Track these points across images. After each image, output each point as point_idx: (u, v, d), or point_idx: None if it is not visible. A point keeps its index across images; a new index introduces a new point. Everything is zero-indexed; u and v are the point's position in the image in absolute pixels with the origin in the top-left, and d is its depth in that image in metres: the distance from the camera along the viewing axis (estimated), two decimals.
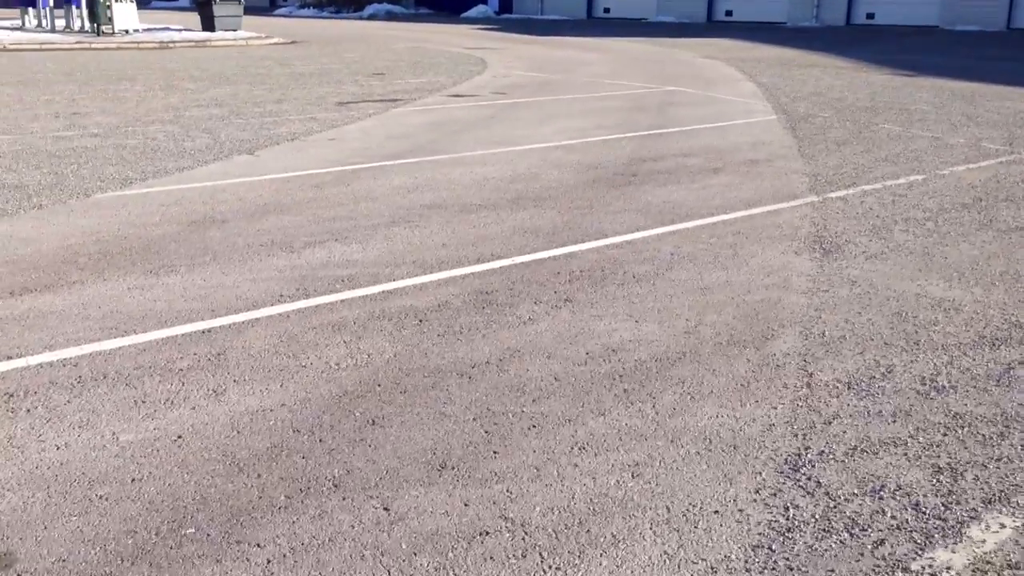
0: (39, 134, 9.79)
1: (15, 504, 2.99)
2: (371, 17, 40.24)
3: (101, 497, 3.06)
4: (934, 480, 3.25)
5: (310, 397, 3.84)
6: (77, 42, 22.49)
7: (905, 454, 3.43)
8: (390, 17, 39.75)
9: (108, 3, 24.59)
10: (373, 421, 3.65)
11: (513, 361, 4.25)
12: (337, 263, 5.63)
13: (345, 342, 4.43)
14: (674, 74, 18.15)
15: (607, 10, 42.42)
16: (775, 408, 3.81)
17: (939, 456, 3.42)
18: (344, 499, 3.10)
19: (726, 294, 5.18)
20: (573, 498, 3.14)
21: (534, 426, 3.64)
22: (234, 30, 26.90)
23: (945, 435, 3.57)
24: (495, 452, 3.43)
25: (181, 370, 4.05)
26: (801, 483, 3.24)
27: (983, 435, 3.57)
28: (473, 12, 42.27)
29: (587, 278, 5.44)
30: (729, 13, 39.23)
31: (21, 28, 26.80)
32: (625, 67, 19.57)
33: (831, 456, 3.42)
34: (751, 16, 38.20)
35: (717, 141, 10.25)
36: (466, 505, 3.08)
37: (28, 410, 3.63)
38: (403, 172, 8.37)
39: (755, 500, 3.14)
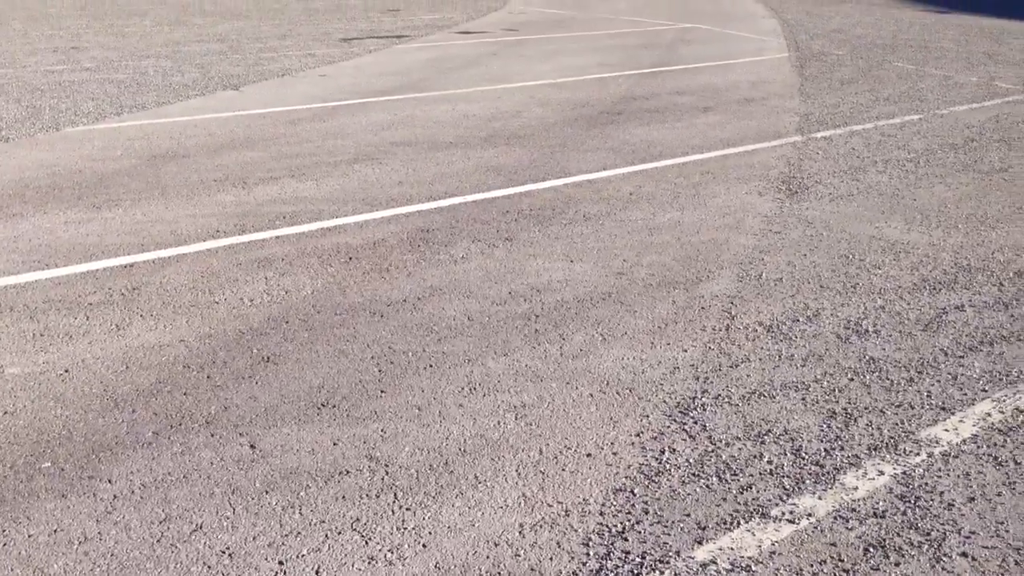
0: (32, 68, 9.80)
1: None
2: None
3: None
4: (824, 426, 3.13)
5: (213, 333, 3.80)
6: None
7: (803, 399, 3.31)
8: None
9: None
10: (268, 358, 3.60)
11: (431, 300, 4.17)
12: (285, 199, 5.56)
13: (267, 278, 4.37)
14: (696, 11, 17.66)
15: None
16: (685, 351, 3.70)
17: (838, 401, 3.29)
18: (212, 436, 3.06)
19: (673, 235, 5.03)
20: (447, 439, 3.07)
21: (430, 366, 3.57)
22: None
23: (852, 380, 3.44)
24: (382, 391, 3.37)
25: (90, 304, 4.03)
26: (686, 427, 3.14)
27: (891, 381, 3.43)
28: None
29: (535, 217, 5.31)
30: None
31: None
32: (648, 4, 19.09)
33: (726, 400, 3.31)
34: None
35: (717, 79, 9.95)
36: (335, 444, 3.03)
37: None
38: (384, 109, 8.25)
39: (633, 444, 3.05)
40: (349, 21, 15.21)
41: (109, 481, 2.80)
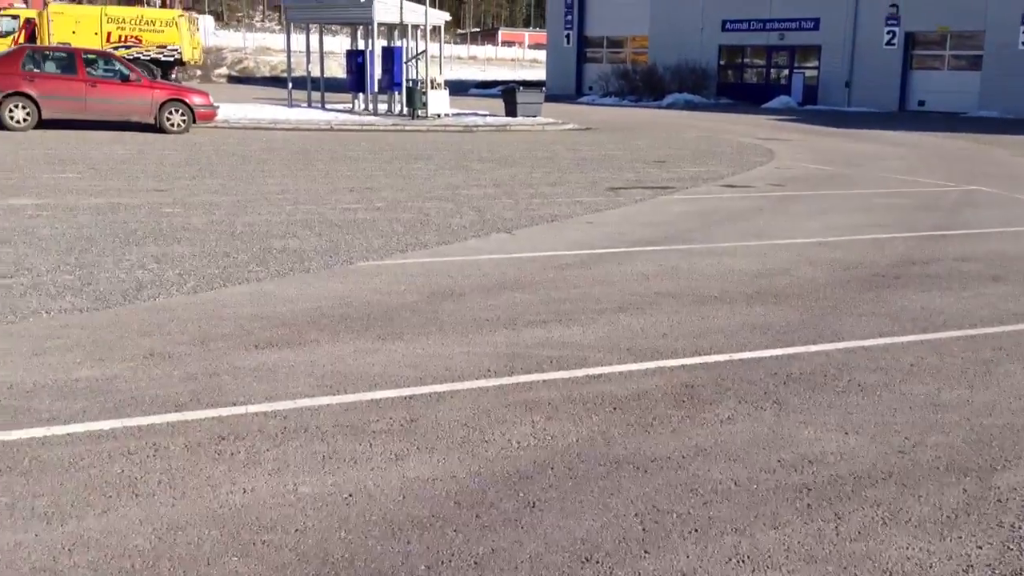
0: (331, 205, 10.84)
1: (188, 539, 3.29)
2: (670, 106, 40.82)
3: (264, 542, 3.28)
4: None
5: (482, 472, 3.91)
6: (393, 124, 24.73)
7: None
8: (689, 106, 40.12)
9: (424, 90, 26.89)
10: (534, 504, 3.64)
11: (696, 460, 4.08)
12: (552, 343, 5.72)
13: (533, 422, 4.47)
14: (980, 173, 16.80)
15: (922, 103, 40.08)
16: (980, 548, 3.37)
17: None
18: None
19: (961, 414, 4.67)
20: None
21: (696, 530, 3.46)
22: (533, 116, 28.38)
23: None
24: (646, 552, 3.30)
25: (374, 432, 4.28)
26: None
27: None
28: (775, 103, 41.57)
29: (805, 382, 5.13)
30: None
31: (351, 111, 29.90)
32: (925, 163, 18.40)
33: None
34: None
35: (1008, 247, 9.33)
36: None
37: (232, 454, 3.99)
38: (648, 259, 8.38)
39: None
40: (616, 171, 15.75)
41: None
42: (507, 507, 3.61)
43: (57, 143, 16.29)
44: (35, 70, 18.40)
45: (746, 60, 44.46)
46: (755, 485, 3.85)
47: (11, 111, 17.82)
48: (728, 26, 43.28)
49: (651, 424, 4.48)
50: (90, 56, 20.11)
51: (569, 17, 48.92)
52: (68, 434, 4.10)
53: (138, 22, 36.98)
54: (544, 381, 5.05)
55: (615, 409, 4.67)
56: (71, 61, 18.98)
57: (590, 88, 47.04)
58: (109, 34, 35.67)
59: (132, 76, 19.29)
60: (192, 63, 39.16)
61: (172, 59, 36.41)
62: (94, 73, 18.85)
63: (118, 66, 19.46)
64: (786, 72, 43.08)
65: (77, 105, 18.44)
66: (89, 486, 3.62)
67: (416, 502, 3.62)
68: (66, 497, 3.52)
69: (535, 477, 3.88)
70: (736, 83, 44.55)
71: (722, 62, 44.45)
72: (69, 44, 30.20)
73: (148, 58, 32.35)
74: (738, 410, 4.69)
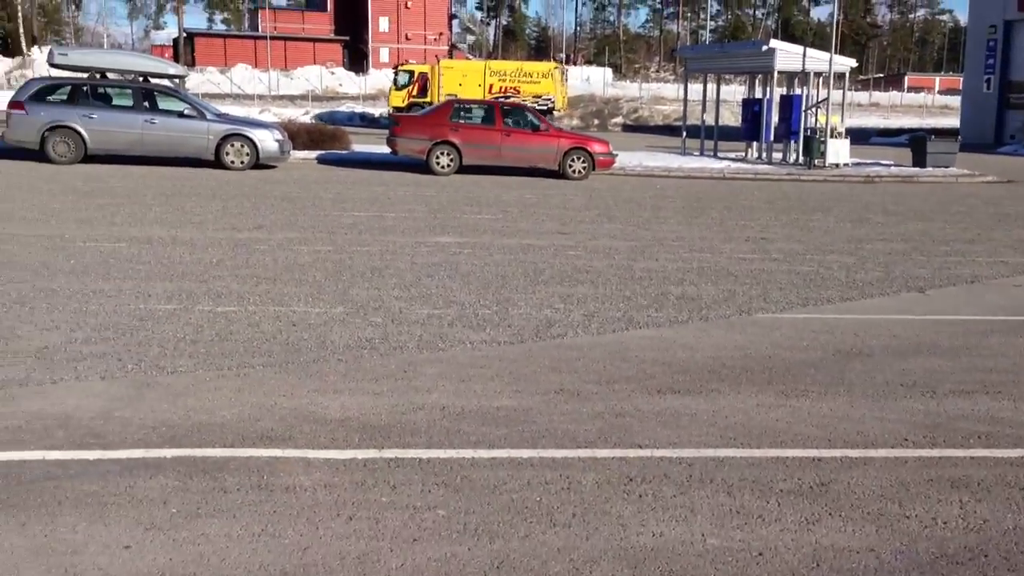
0: (727, 255, 10.78)
1: (603, 573, 3.38)
2: None
3: None
4: None
5: (904, 550, 3.62)
6: (787, 174, 24.16)
7: None
8: None
9: (822, 138, 26.01)
10: None
11: None
12: (980, 417, 5.18)
13: (961, 502, 4.07)
14: None
15: None
16: None
17: None
18: None
19: None
20: None
21: None
22: (946, 167, 26.27)
23: None
24: None
25: (780, 491, 4.14)
26: None
27: None
28: None
29: None
30: None
31: (743, 159, 29.73)
32: None
33: None
34: None
35: None
36: None
37: (640, 496, 4.06)
38: None
39: None
40: None
41: None
42: None
43: (473, 187, 17.91)
44: (460, 121, 20.45)
45: None
46: None
47: (438, 157, 19.94)
48: None
49: None
50: (506, 108, 21.99)
51: (991, 61, 44.90)
52: (492, 458, 4.42)
53: (518, 74, 39.65)
54: (972, 458, 4.58)
55: None
56: (490, 113, 20.85)
57: (1012, 137, 42.68)
58: (491, 86, 38.57)
59: (542, 127, 20.79)
60: (561, 111, 41.22)
61: (546, 107, 38.58)
62: (509, 124, 20.54)
63: (530, 117, 21.07)
64: None
65: (492, 153, 20.20)
66: (511, 509, 3.87)
67: (831, 572, 3.43)
68: (492, 517, 3.79)
69: (966, 563, 3.52)
70: None
71: None
72: (456, 96, 33.29)
73: None
74: None
